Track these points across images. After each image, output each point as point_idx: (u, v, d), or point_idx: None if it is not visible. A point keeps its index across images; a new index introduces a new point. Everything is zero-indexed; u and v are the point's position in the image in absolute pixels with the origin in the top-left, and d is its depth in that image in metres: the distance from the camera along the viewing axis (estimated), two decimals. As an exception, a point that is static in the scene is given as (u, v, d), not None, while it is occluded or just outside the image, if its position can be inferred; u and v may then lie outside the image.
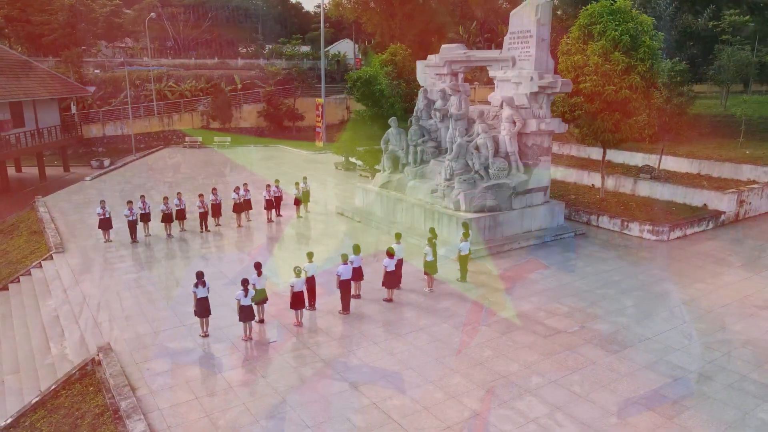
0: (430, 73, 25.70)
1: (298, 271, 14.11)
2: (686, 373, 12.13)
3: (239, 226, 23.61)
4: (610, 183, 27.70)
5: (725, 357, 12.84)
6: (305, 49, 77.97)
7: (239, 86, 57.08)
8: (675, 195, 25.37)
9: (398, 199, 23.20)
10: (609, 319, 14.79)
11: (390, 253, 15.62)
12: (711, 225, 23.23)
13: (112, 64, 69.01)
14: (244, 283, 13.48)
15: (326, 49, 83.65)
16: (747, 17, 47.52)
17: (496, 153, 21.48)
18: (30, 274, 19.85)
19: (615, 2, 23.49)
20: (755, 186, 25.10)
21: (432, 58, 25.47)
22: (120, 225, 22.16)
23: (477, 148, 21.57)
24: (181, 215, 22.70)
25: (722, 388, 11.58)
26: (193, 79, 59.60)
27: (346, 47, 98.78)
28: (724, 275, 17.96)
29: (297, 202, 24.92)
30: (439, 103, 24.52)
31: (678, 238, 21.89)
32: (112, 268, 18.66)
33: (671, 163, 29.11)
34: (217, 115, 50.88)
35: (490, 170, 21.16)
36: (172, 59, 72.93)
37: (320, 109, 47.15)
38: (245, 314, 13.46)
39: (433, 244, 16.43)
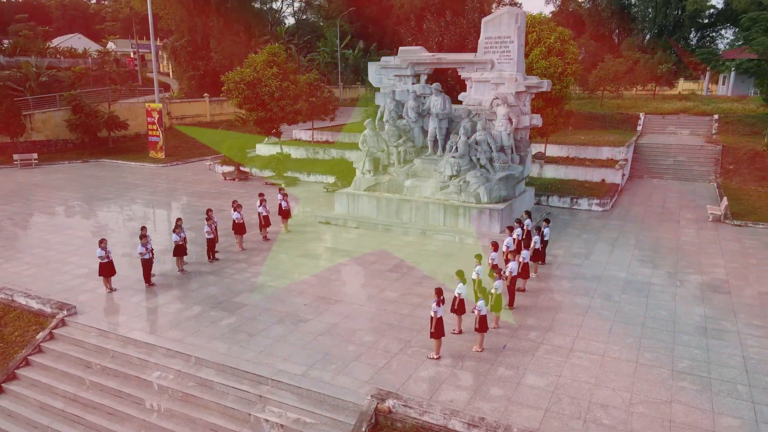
0: (388, 75, 26.08)
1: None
2: (784, 297, 16.46)
3: (242, 248, 20.67)
4: (518, 169, 32.12)
5: (782, 281, 17.66)
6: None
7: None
8: (577, 174, 31.09)
9: (403, 200, 23.33)
10: (687, 271, 18.45)
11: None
12: (617, 195, 29.39)
13: None
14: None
15: (48, 46, 71.22)
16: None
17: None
18: (41, 350, 14.45)
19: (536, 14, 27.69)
20: (623, 161, 32.42)
21: (391, 60, 25.90)
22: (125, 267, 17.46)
23: (477, 143, 23.23)
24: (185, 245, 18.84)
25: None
26: None
27: (77, 43, 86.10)
28: (689, 228, 23.55)
29: (285, 214, 22.77)
30: (411, 104, 25.22)
31: (612, 207, 27.27)
32: (193, 318, 14.94)
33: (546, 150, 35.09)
34: (3, 126, 40.13)
35: (495, 164, 23.08)
36: None
37: (155, 115, 41.45)
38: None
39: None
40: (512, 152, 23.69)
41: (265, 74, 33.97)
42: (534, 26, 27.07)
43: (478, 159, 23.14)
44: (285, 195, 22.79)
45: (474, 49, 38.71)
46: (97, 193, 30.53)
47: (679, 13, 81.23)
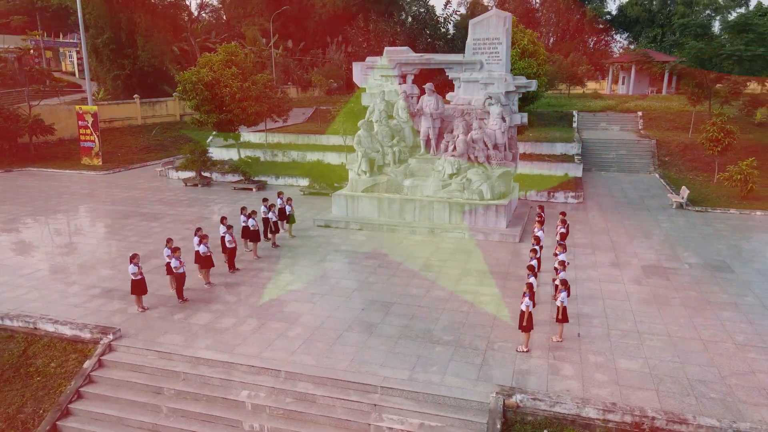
0: (374, 75, 25.95)
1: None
2: (778, 272, 18.56)
3: (257, 256, 19.76)
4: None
5: None
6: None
7: None
8: (542, 169, 32.79)
9: (406, 200, 23.40)
10: (687, 254, 20.18)
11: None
12: (581, 187, 31.34)
13: None
14: (565, 283, 13.49)
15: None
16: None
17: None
18: (92, 380, 13.02)
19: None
20: (579, 156, 34.60)
21: (377, 60, 25.81)
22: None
23: (474, 141, 23.83)
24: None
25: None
26: None
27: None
28: (661, 215, 25.65)
29: (289, 219, 22.02)
30: (402, 104, 25.33)
31: (584, 198, 29.06)
32: (256, 331, 14.10)
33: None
34: None
35: (493, 161, 23.80)
36: None
37: (88, 118, 38.08)
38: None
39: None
40: (506, 149, 24.55)
41: (224, 74, 32.49)
42: (508, 28, 28.24)
43: (476, 157, 23.75)
44: (289, 199, 22.03)
45: (424, 50, 39.77)
46: (47, 205, 27.62)
47: (579, 18, 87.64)
